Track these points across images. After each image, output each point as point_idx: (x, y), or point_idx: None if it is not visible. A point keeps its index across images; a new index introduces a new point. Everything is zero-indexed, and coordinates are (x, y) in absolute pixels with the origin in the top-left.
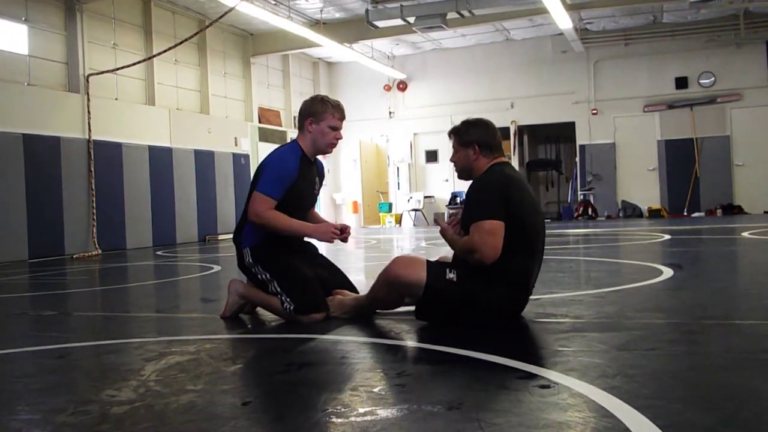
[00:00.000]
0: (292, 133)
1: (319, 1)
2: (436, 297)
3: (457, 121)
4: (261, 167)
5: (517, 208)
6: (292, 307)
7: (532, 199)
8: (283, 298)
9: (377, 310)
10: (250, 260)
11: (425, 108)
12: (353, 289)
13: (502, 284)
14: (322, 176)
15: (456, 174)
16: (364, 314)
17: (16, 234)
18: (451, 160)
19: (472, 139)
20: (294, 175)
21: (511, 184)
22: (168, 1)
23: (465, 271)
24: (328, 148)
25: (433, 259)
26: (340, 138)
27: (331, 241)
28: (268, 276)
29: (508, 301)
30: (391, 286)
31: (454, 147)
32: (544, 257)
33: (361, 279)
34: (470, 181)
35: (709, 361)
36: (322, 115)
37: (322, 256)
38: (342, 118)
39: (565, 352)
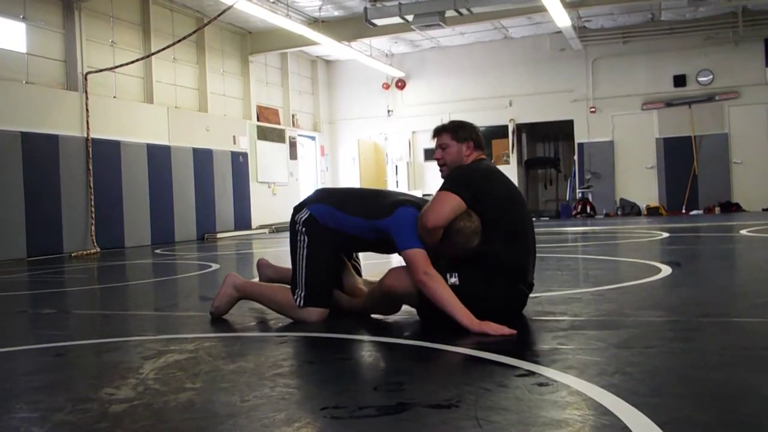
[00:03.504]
0: (291, 132)
1: None
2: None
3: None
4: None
5: (499, 197)
6: (303, 294)
7: (516, 191)
8: (300, 279)
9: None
10: (303, 227)
11: (424, 106)
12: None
13: (500, 276)
14: None
15: (441, 171)
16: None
17: (14, 232)
18: (438, 158)
19: (468, 135)
20: None
21: (494, 174)
22: None
23: (465, 270)
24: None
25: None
26: None
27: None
28: (305, 252)
29: (508, 296)
30: (387, 297)
31: (443, 144)
32: (543, 255)
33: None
34: None
35: (707, 359)
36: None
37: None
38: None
39: (563, 350)
